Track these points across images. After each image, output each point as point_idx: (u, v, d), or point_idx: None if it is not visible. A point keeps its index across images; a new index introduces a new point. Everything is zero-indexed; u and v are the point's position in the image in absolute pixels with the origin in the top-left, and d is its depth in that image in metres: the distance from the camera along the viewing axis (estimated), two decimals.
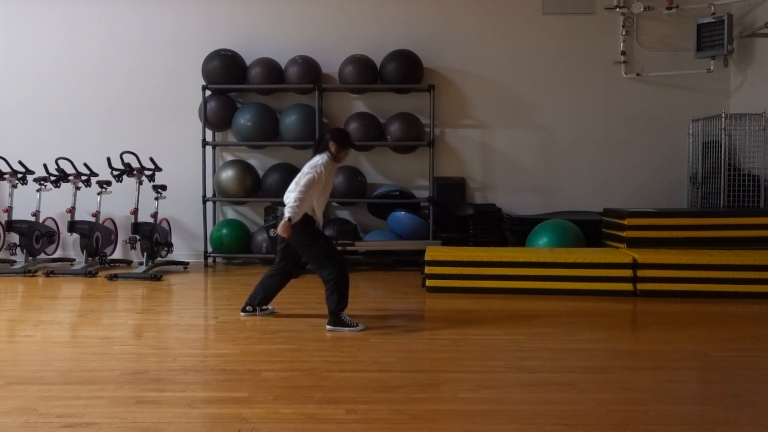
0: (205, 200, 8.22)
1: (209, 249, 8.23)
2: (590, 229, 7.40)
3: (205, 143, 8.20)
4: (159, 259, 7.72)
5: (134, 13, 8.48)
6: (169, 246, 8.00)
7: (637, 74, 8.33)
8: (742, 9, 7.98)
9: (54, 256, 8.28)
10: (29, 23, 8.52)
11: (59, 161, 7.72)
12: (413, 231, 7.82)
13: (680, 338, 4.71)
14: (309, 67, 8.07)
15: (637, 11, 8.16)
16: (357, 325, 4.79)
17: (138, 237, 7.37)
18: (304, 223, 4.84)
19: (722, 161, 7.43)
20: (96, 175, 7.87)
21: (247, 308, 5.24)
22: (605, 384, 3.68)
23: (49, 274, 7.30)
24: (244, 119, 8.03)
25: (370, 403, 3.36)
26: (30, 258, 7.70)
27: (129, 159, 7.49)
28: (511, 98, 8.42)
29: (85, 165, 7.84)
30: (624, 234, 6.77)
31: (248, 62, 8.17)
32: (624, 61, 8.33)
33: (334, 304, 4.81)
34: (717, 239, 6.69)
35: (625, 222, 6.79)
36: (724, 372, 3.95)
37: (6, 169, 7.77)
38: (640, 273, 6.18)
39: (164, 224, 8.10)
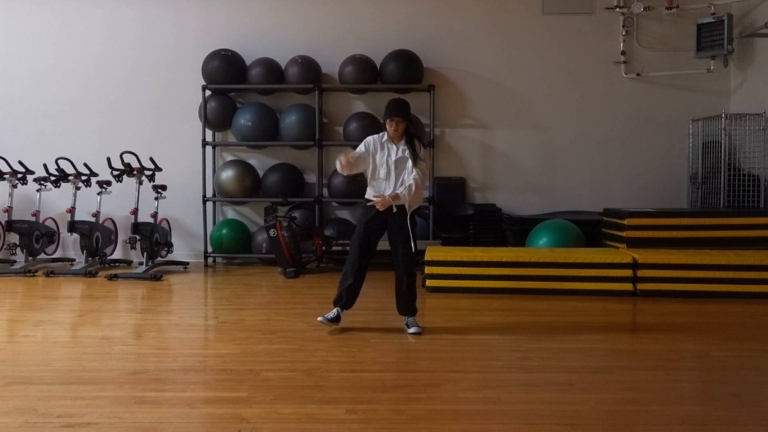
0: (205, 200, 8.21)
1: (209, 249, 8.22)
2: (590, 229, 7.40)
3: (205, 143, 8.20)
4: (159, 259, 7.72)
5: (134, 13, 8.48)
6: (169, 246, 8.00)
7: (637, 74, 8.33)
8: (742, 9, 7.98)
9: (54, 256, 8.28)
10: (29, 23, 8.52)
11: (59, 161, 7.72)
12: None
13: (680, 338, 4.71)
14: (309, 67, 8.07)
15: (637, 11, 8.16)
16: (324, 316, 4.77)
17: (138, 237, 7.37)
18: (364, 205, 4.83)
19: (722, 161, 7.42)
20: (96, 175, 7.87)
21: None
22: (605, 384, 3.69)
23: (49, 274, 7.30)
24: (244, 119, 8.03)
25: (370, 403, 3.36)
26: (30, 258, 7.70)
27: (129, 159, 7.49)
28: (511, 98, 8.42)
29: (85, 165, 7.84)
30: (624, 234, 6.77)
31: (248, 62, 8.17)
32: (624, 61, 8.32)
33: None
34: (717, 239, 6.69)
35: (625, 222, 6.79)
36: (724, 372, 3.95)
37: (6, 169, 7.77)
38: (640, 273, 6.19)
39: (164, 224, 8.10)
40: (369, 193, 4.81)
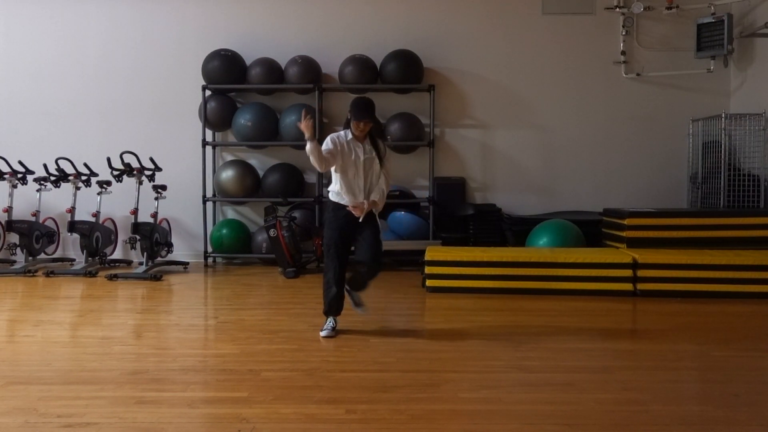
0: (205, 200, 8.21)
1: (209, 249, 8.22)
2: (590, 229, 7.40)
3: (205, 143, 8.20)
4: (159, 259, 7.72)
5: (134, 13, 8.49)
6: (169, 246, 8.00)
7: (637, 74, 8.33)
8: (742, 9, 7.98)
9: (54, 256, 8.27)
10: (29, 23, 8.52)
11: (59, 161, 7.72)
12: (413, 231, 7.82)
13: (680, 338, 4.71)
14: (309, 67, 8.07)
15: (637, 11, 8.16)
16: (326, 330, 4.69)
17: (138, 237, 7.37)
18: (332, 208, 4.74)
19: (722, 161, 7.43)
20: (96, 175, 7.87)
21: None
22: (605, 384, 3.68)
23: (49, 274, 7.30)
24: (244, 119, 8.03)
25: (370, 403, 3.36)
26: (30, 258, 7.70)
27: (129, 159, 7.49)
28: (511, 98, 8.42)
29: (85, 165, 7.84)
30: (624, 234, 6.77)
31: (248, 62, 8.17)
32: (624, 61, 8.33)
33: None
34: (717, 239, 6.69)
35: (625, 222, 6.79)
36: (724, 372, 3.95)
37: (6, 169, 7.77)
38: (640, 273, 6.18)
39: (164, 224, 8.10)
40: (334, 195, 4.71)
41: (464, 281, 6.29)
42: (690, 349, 4.44)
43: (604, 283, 6.18)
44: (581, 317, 5.39)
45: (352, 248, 4.81)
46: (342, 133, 4.72)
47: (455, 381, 3.76)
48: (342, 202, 4.68)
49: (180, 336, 4.81)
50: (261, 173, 8.28)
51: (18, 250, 7.72)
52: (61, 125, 8.47)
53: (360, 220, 4.64)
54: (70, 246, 8.48)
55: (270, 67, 8.09)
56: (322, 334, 4.67)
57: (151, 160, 7.69)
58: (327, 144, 4.63)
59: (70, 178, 7.72)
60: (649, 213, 6.94)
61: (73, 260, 8.22)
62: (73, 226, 7.57)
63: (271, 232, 7.31)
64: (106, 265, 7.87)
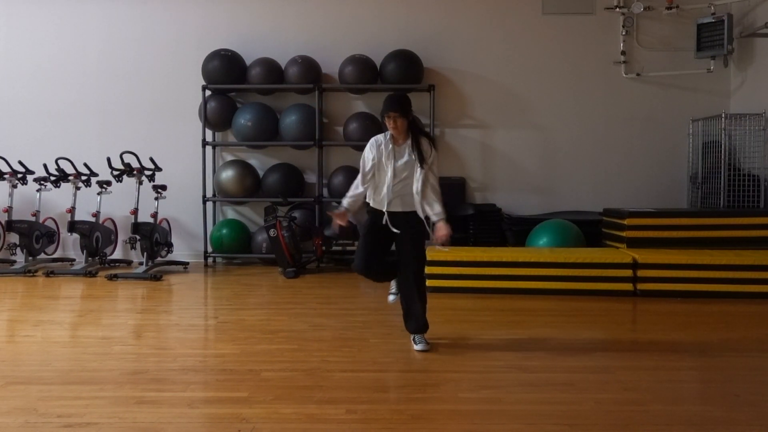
0: (205, 200, 8.21)
1: (209, 249, 8.22)
2: (590, 229, 7.40)
3: (205, 143, 8.20)
4: (159, 259, 7.72)
5: (134, 13, 8.49)
6: (169, 246, 8.00)
7: (637, 74, 8.33)
8: (742, 9, 7.98)
9: (54, 256, 8.28)
10: (29, 23, 8.53)
11: (59, 161, 7.72)
12: None
13: (680, 338, 4.71)
14: (309, 67, 8.07)
15: (637, 11, 8.16)
16: (390, 295, 4.66)
17: (138, 237, 7.38)
18: (366, 212, 4.52)
19: (722, 161, 7.43)
20: (96, 175, 7.87)
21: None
22: (605, 384, 3.68)
23: (49, 274, 7.30)
24: (244, 119, 8.03)
25: (370, 403, 3.36)
26: (30, 258, 7.70)
27: (129, 159, 7.49)
28: (511, 98, 8.42)
29: (85, 165, 7.84)
30: (624, 234, 6.77)
31: (248, 62, 8.18)
32: (624, 61, 8.32)
33: None
34: (717, 239, 6.69)
35: (625, 222, 6.79)
36: (724, 372, 3.95)
37: (6, 169, 7.77)
38: (640, 273, 6.18)
39: (164, 224, 8.10)
40: (369, 198, 4.46)
41: (464, 281, 6.29)
42: (690, 349, 4.43)
43: (604, 283, 6.18)
44: (581, 317, 5.39)
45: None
46: (383, 135, 4.38)
47: (455, 381, 3.75)
48: (374, 206, 4.44)
49: (180, 336, 4.81)
50: (261, 173, 8.28)
51: (18, 250, 7.72)
52: (61, 125, 8.48)
53: (398, 231, 4.35)
54: (70, 246, 8.48)
55: (270, 67, 8.09)
56: (390, 299, 4.67)
57: (151, 160, 7.69)
58: (367, 162, 4.33)
59: (70, 178, 7.73)
60: (649, 213, 6.94)
61: (73, 260, 8.22)
62: (73, 226, 7.57)
63: (271, 232, 7.31)
64: (106, 265, 7.87)
